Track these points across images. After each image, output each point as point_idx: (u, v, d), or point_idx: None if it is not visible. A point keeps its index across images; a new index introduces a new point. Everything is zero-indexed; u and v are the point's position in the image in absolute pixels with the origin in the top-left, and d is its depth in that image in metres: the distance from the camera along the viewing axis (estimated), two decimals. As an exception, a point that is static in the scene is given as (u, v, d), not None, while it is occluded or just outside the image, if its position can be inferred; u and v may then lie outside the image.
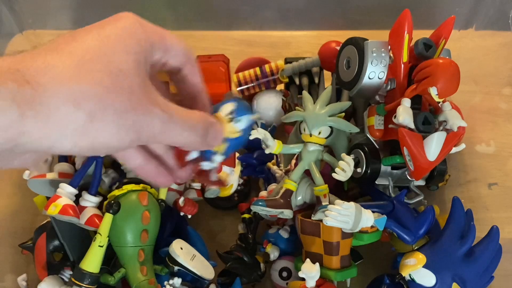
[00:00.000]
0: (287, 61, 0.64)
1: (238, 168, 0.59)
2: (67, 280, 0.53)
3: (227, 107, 0.42)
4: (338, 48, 0.57)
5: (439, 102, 0.51)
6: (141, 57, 0.30)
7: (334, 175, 0.49)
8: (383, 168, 0.53)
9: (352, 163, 0.49)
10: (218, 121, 0.37)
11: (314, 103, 0.52)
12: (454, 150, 0.51)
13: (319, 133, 0.52)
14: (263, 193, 0.58)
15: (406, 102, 0.49)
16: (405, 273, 0.49)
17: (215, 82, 0.66)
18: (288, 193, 0.52)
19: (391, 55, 0.52)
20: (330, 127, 0.52)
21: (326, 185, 0.52)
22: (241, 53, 0.70)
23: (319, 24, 0.75)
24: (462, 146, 0.53)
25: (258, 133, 0.51)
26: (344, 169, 0.49)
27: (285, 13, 0.75)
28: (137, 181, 0.51)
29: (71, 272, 0.53)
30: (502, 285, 0.54)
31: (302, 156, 0.53)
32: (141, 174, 0.38)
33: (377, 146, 0.54)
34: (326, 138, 0.52)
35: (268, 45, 0.75)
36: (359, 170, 0.53)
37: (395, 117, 0.49)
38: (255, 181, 0.64)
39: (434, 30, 0.55)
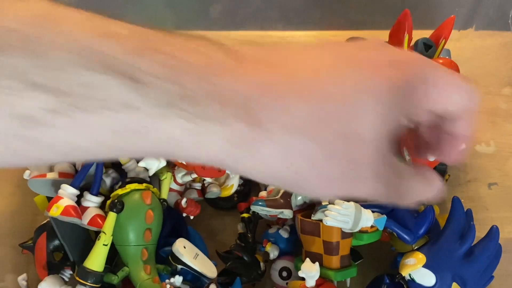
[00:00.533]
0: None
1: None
2: (67, 279, 0.53)
3: None
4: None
5: None
6: (389, 120, 0.22)
7: None
8: None
9: None
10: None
11: None
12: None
13: None
14: (262, 193, 0.58)
15: None
16: (405, 273, 0.49)
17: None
18: (288, 193, 0.52)
19: None
20: None
21: None
22: (241, 53, 0.70)
23: (319, 24, 0.75)
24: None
25: None
26: None
27: (285, 13, 0.75)
28: (140, 180, 0.51)
29: (71, 272, 0.53)
30: (502, 285, 0.54)
31: None
32: None
33: None
34: None
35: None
36: None
37: None
38: (255, 181, 0.64)
39: (434, 30, 0.55)
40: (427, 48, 0.52)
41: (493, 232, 0.50)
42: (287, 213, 0.51)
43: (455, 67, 0.48)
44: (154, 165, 0.51)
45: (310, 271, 0.48)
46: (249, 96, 0.21)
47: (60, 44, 0.17)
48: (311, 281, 0.48)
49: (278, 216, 0.53)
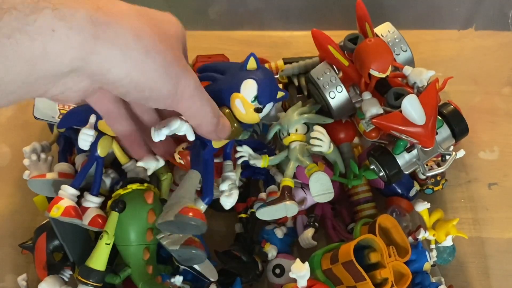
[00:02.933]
0: (285, 61, 0.65)
1: (238, 170, 0.59)
2: (67, 280, 0.53)
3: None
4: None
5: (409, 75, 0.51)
6: (182, 41, 0.36)
7: (312, 148, 0.51)
8: (401, 157, 0.50)
9: (323, 130, 0.52)
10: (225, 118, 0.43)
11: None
12: (455, 157, 0.50)
13: (296, 130, 0.54)
14: (262, 195, 0.58)
15: (365, 96, 0.50)
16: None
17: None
18: (287, 188, 0.52)
19: (335, 69, 0.54)
20: (305, 123, 0.54)
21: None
22: (241, 53, 0.70)
23: (319, 24, 0.75)
24: (462, 152, 0.52)
25: (243, 151, 0.53)
26: (318, 137, 0.51)
27: (285, 13, 0.75)
28: (141, 180, 0.51)
29: (71, 272, 0.53)
30: (502, 285, 0.54)
31: (290, 157, 0.54)
32: (123, 136, 0.45)
33: (383, 144, 0.52)
34: (305, 134, 0.54)
35: (268, 45, 0.75)
36: (381, 174, 0.52)
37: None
38: (254, 182, 0.64)
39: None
40: (354, 41, 0.53)
41: None
42: (289, 203, 0.50)
43: (376, 42, 0.49)
44: (152, 165, 0.51)
45: (300, 270, 0.47)
46: None
47: None
48: (302, 281, 0.48)
49: (286, 216, 0.53)
